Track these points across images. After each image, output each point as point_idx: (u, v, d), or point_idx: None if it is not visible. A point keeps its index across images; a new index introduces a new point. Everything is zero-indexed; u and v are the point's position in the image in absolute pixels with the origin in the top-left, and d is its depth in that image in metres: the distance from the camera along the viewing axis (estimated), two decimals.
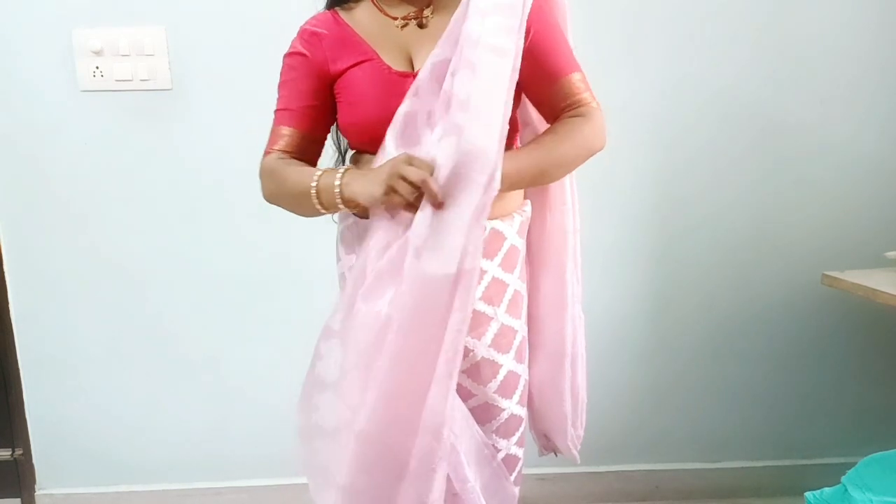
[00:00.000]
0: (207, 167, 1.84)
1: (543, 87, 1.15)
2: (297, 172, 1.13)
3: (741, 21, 1.84)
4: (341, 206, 1.08)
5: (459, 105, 1.01)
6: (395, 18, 1.15)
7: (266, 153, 1.19)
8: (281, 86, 1.19)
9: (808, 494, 1.65)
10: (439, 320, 1.02)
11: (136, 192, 1.87)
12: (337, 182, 1.06)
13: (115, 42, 1.77)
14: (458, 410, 1.15)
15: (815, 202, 1.95)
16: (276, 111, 1.20)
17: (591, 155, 1.16)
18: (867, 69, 1.89)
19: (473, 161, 1.00)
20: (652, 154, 1.90)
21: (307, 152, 1.20)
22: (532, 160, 1.11)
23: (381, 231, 1.08)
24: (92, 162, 1.85)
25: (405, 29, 1.15)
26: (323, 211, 1.11)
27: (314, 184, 1.08)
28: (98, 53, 1.77)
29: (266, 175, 1.18)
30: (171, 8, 1.77)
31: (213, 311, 1.94)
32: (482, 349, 1.17)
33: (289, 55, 1.18)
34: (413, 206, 1.02)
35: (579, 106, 1.15)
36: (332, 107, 1.19)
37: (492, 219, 1.13)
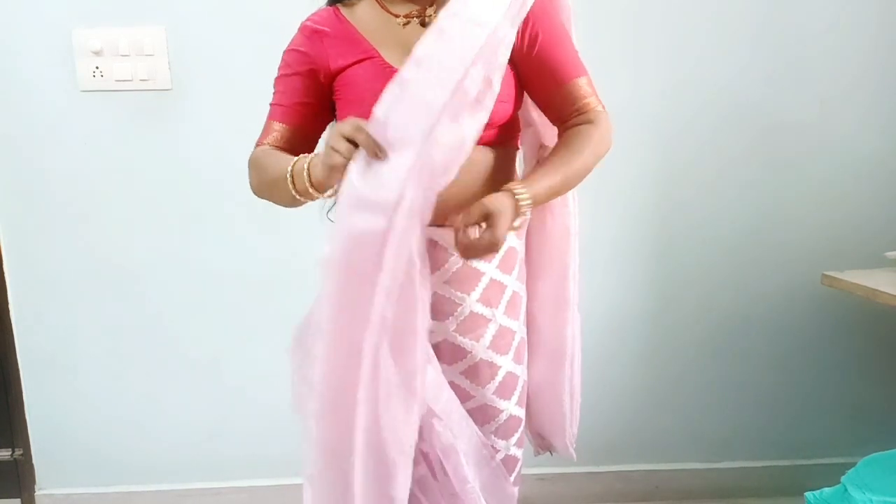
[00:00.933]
0: (207, 167, 1.84)
1: (550, 92, 1.15)
2: (277, 161, 1.12)
3: (741, 21, 1.84)
4: (311, 190, 1.05)
5: (415, 62, 0.99)
6: (398, 16, 1.15)
7: (256, 145, 1.20)
8: (277, 80, 1.19)
9: (808, 494, 1.65)
10: (369, 279, 0.98)
11: (135, 192, 1.87)
12: (305, 164, 1.04)
13: (115, 42, 1.77)
14: (455, 412, 1.15)
15: (815, 202, 1.95)
16: (271, 104, 1.20)
17: (602, 158, 1.17)
18: (867, 69, 1.89)
19: (414, 111, 0.97)
20: (652, 154, 1.90)
21: (297, 149, 1.18)
22: (559, 177, 1.11)
23: None
24: (92, 162, 1.84)
25: (407, 27, 1.15)
26: (299, 197, 1.09)
27: (289, 168, 1.06)
28: (98, 53, 1.77)
29: (252, 166, 1.19)
30: (171, 8, 1.77)
31: (213, 312, 1.94)
32: (481, 350, 1.17)
33: (288, 51, 1.18)
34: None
35: (587, 111, 1.15)
36: (328, 106, 1.19)
37: None
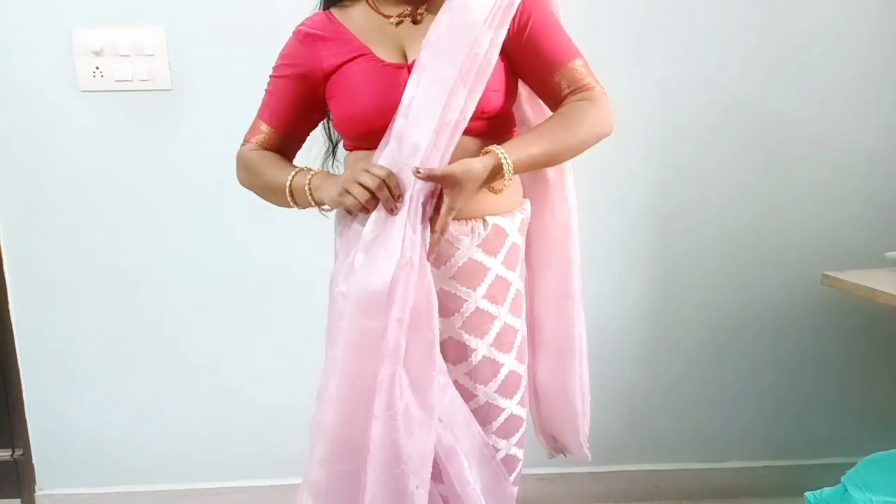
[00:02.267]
0: (207, 167, 1.84)
1: (546, 78, 1.16)
2: (272, 169, 1.20)
3: (741, 21, 1.84)
4: (313, 205, 1.16)
5: (403, 111, 1.07)
6: (390, 17, 1.16)
7: (245, 141, 1.25)
8: (270, 80, 1.23)
9: (808, 494, 1.65)
10: (382, 312, 1.05)
11: (135, 193, 1.87)
12: (306, 186, 1.14)
13: (115, 42, 1.77)
14: (458, 412, 1.15)
15: (816, 202, 1.95)
16: (262, 102, 1.24)
17: (600, 139, 1.16)
18: (867, 69, 1.89)
19: (409, 157, 1.06)
20: (652, 154, 1.90)
21: (282, 150, 1.25)
22: (542, 145, 1.11)
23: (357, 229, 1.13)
24: (92, 162, 1.84)
25: (400, 26, 1.16)
26: (295, 207, 1.19)
27: (288, 184, 1.16)
28: (98, 53, 1.77)
29: (242, 165, 1.25)
30: (171, 8, 1.77)
31: (212, 312, 1.94)
32: (484, 348, 1.17)
33: (282, 55, 1.21)
34: (367, 210, 1.07)
35: (584, 90, 1.15)
36: (318, 108, 1.22)
37: (493, 215, 1.15)
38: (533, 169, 1.16)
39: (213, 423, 2.01)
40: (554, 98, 1.18)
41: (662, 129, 1.89)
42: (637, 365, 2.03)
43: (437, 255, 1.11)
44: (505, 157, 1.06)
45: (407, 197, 1.06)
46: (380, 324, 1.05)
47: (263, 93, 1.24)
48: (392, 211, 1.05)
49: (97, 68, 1.78)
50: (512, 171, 1.07)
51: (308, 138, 1.30)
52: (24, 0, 1.75)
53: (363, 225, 1.09)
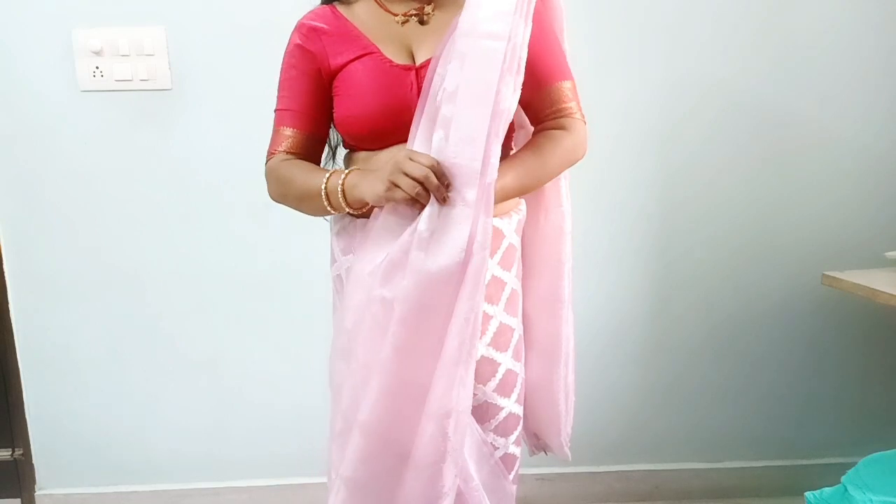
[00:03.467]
0: (207, 167, 1.84)
1: (532, 91, 1.14)
2: (305, 175, 1.13)
3: (740, 20, 1.84)
4: (346, 208, 1.09)
5: (448, 97, 1.02)
6: (396, 15, 1.15)
7: (270, 154, 1.19)
8: (281, 84, 1.19)
9: (808, 494, 1.65)
10: (444, 313, 1.02)
11: (135, 192, 1.87)
12: (340, 184, 1.07)
13: (115, 42, 1.77)
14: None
15: (816, 202, 1.95)
16: (277, 111, 1.19)
17: (571, 166, 1.19)
18: (867, 68, 1.89)
19: (463, 150, 1.00)
20: (651, 154, 1.90)
21: (311, 152, 1.20)
22: (515, 177, 1.11)
23: (388, 226, 1.07)
24: (92, 162, 1.84)
25: (406, 25, 1.15)
26: (332, 211, 1.12)
27: (324, 186, 1.08)
28: (98, 53, 1.77)
29: (272, 177, 1.18)
30: (171, 8, 1.77)
31: (212, 312, 1.94)
32: (482, 347, 1.17)
33: (289, 52, 1.17)
34: (416, 202, 1.01)
35: (563, 116, 1.16)
36: (332, 104, 1.18)
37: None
38: (506, 199, 1.15)
39: (212, 423, 2.01)
40: (535, 112, 1.18)
41: (662, 129, 1.89)
42: (637, 365, 2.03)
43: None
44: None
45: (471, 183, 1.00)
46: (441, 323, 1.02)
47: (275, 103, 1.19)
48: (444, 201, 1.00)
49: (97, 68, 1.78)
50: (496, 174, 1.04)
51: None
52: (24, 0, 1.75)
53: (403, 220, 1.04)
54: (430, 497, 1.07)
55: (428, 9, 1.15)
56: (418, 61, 1.13)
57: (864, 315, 1.97)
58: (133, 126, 1.83)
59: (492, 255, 1.15)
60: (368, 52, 1.12)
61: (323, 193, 1.09)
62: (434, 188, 0.99)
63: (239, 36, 1.78)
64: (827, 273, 1.72)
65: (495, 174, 1.01)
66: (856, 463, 1.63)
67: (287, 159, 1.17)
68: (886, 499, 1.52)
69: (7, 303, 1.92)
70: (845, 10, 1.85)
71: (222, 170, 1.85)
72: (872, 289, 1.57)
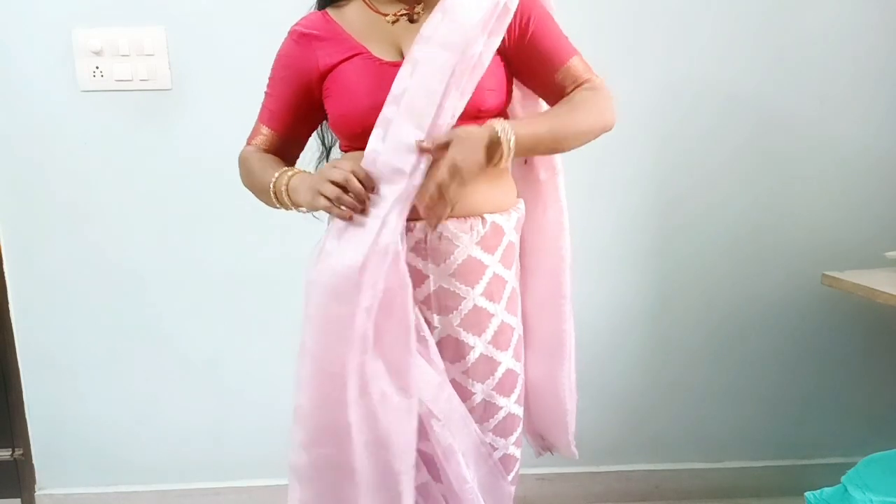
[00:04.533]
0: (207, 167, 1.84)
1: (548, 78, 1.17)
2: (264, 170, 1.18)
3: (740, 18, 1.84)
4: (293, 207, 1.14)
5: (393, 99, 1.06)
6: (386, 15, 1.16)
7: (246, 143, 1.25)
8: (269, 83, 1.22)
9: (808, 494, 1.65)
10: (349, 302, 1.05)
11: (135, 192, 1.87)
12: (285, 185, 1.12)
13: (115, 42, 1.77)
14: (455, 411, 1.15)
15: (816, 202, 1.95)
16: (262, 105, 1.23)
17: (603, 131, 1.16)
18: (867, 68, 1.89)
19: (396, 155, 1.04)
20: (650, 153, 1.90)
21: (283, 153, 1.24)
22: (548, 127, 1.11)
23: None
24: (92, 162, 1.84)
25: (396, 24, 1.16)
26: (283, 209, 1.17)
27: (272, 184, 1.14)
28: (98, 53, 1.77)
29: (242, 166, 1.24)
30: (171, 8, 1.77)
31: (212, 312, 1.94)
32: (481, 346, 1.17)
33: (279, 57, 1.20)
34: (339, 208, 1.04)
35: (587, 82, 1.16)
36: (317, 108, 1.20)
37: (491, 212, 1.15)
38: (536, 152, 1.17)
39: (212, 423, 2.01)
40: (556, 97, 1.18)
41: (661, 128, 1.89)
42: (637, 365, 2.03)
43: (437, 252, 1.12)
44: (505, 131, 1.04)
45: (387, 186, 1.04)
46: (347, 311, 1.05)
47: (263, 95, 1.23)
48: (363, 203, 1.04)
49: (97, 68, 1.78)
50: (513, 147, 1.05)
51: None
52: (24, 0, 1.75)
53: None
54: (388, 481, 1.10)
55: (418, 8, 1.15)
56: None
57: (864, 315, 1.97)
58: (133, 126, 1.83)
59: (493, 252, 1.16)
60: (357, 52, 1.13)
61: (271, 191, 1.13)
62: (354, 190, 1.03)
63: (239, 36, 1.78)
64: (827, 273, 1.72)
65: (417, 183, 1.05)
66: (856, 463, 1.63)
67: (257, 151, 1.23)
68: (886, 499, 1.52)
69: (7, 303, 1.92)
70: (845, 12, 1.85)
71: (222, 170, 1.84)
72: (872, 289, 1.57)
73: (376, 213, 1.04)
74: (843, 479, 1.61)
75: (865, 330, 2.02)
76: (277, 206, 1.16)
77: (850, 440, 2.04)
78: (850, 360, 2.05)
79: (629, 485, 2.09)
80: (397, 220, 1.05)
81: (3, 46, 1.78)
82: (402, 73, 1.06)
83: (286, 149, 1.25)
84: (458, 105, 1.06)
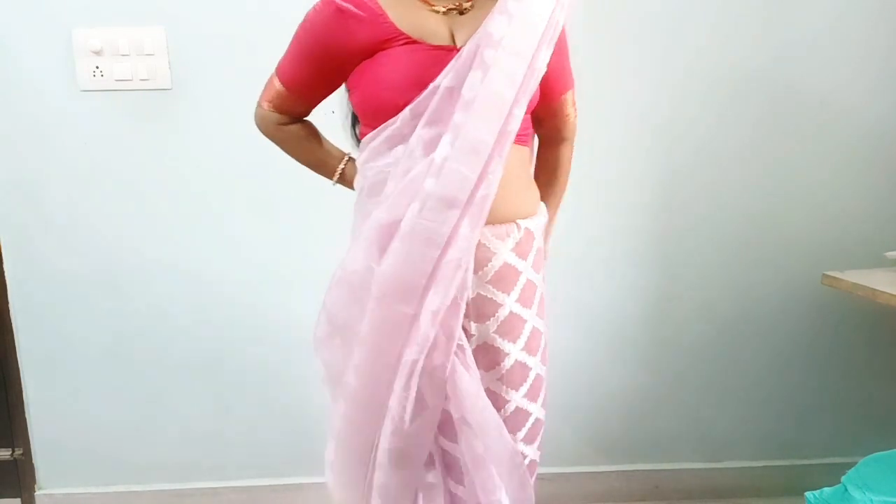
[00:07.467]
0: (207, 167, 1.84)
1: (554, 95, 1.23)
2: (317, 151, 1.28)
3: (739, 18, 1.84)
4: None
5: (464, 105, 1.04)
6: (434, 5, 1.12)
7: (259, 103, 1.23)
8: (293, 42, 1.16)
9: (808, 494, 1.65)
10: (415, 304, 1.07)
11: (135, 192, 1.87)
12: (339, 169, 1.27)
13: (115, 42, 1.77)
14: (490, 421, 1.14)
15: (816, 202, 1.95)
16: (281, 60, 1.18)
17: None
18: (867, 68, 1.89)
19: (466, 160, 1.04)
20: (650, 153, 1.90)
21: (294, 112, 1.24)
22: (557, 209, 1.37)
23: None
24: (92, 162, 1.84)
25: (445, 16, 1.12)
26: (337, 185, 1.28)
27: (339, 172, 1.27)
28: (98, 53, 1.77)
29: (277, 137, 1.26)
30: (171, 8, 1.77)
31: (212, 312, 1.94)
32: (516, 352, 1.17)
33: (311, 23, 1.13)
34: None
35: (566, 124, 1.30)
36: (338, 83, 1.18)
37: (524, 218, 1.17)
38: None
39: (212, 423, 2.01)
40: (551, 116, 1.26)
41: (661, 128, 1.89)
42: (637, 365, 2.03)
43: (475, 260, 1.11)
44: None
45: (465, 195, 1.04)
46: (413, 311, 1.06)
47: (282, 54, 1.18)
48: None
49: (97, 68, 1.78)
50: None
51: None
52: (24, 0, 1.75)
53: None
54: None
55: (466, 5, 1.13)
56: (459, 43, 1.10)
57: (864, 315, 1.97)
58: (133, 126, 1.83)
59: (525, 258, 1.17)
60: (400, 36, 1.08)
61: (337, 176, 1.27)
62: None
63: (239, 36, 1.78)
64: (827, 273, 1.72)
65: (493, 189, 1.05)
66: (856, 463, 1.63)
67: (285, 124, 1.24)
68: (886, 499, 1.52)
69: (7, 303, 1.92)
70: (845, 12, 1.85)
71: (222, 169, 1.84)
72: (872, 289, 1.57)
73: (446, 220, 1.04)
74: (843, 479, 1.61)
75: (865, 330, 2.02)
76: (334, 185, 1.28)
77: (850, 440, 2.04)
78: (850, 361, 2.05)
79: (629, 485, 2.09)
80: (472, 230, 1.06)
81: (3, 46, 1.77)
82: (473, 78, 1.04)
83: (297, 108, 1.22)
84: (522, 112, 1.08)
